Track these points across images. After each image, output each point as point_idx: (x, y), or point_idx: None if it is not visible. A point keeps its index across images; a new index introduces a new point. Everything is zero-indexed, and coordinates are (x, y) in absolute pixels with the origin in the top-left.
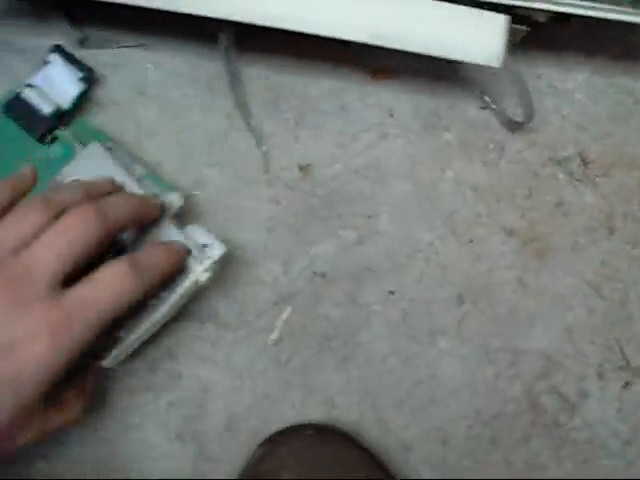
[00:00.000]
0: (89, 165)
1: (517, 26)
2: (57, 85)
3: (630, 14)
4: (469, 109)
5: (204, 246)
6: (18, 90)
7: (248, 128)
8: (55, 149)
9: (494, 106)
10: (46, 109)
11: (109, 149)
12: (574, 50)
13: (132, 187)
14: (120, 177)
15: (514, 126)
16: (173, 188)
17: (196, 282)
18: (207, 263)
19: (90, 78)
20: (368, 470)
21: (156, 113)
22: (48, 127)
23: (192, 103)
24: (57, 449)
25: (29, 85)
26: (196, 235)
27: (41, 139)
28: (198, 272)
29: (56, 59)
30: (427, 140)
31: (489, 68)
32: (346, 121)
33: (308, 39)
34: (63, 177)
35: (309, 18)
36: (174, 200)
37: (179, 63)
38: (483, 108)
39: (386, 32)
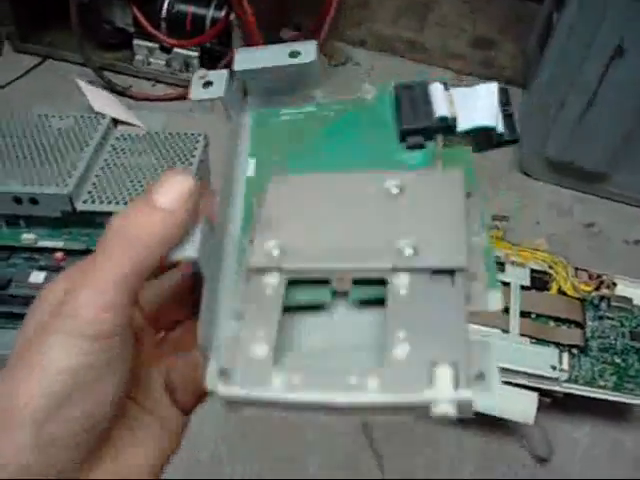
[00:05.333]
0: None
1: (543, 398)
2: (477, 103)
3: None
4: (513, 447)
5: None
6: (427, 80)
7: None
8: (414, 155)
9: (528, 446)
10: (440, 110)
11: (467, 194)
12: (580, 411)
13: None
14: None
15: (539, 460)
16: (498, 285)
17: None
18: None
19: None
20: None
21: None
22: (423, 130)
23: None
24: None
25: (444, 84)
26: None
27: (404, 137)
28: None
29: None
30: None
31: None
32: None
33: None
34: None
35: None
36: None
37: None
38: (521, 447)
39: None
